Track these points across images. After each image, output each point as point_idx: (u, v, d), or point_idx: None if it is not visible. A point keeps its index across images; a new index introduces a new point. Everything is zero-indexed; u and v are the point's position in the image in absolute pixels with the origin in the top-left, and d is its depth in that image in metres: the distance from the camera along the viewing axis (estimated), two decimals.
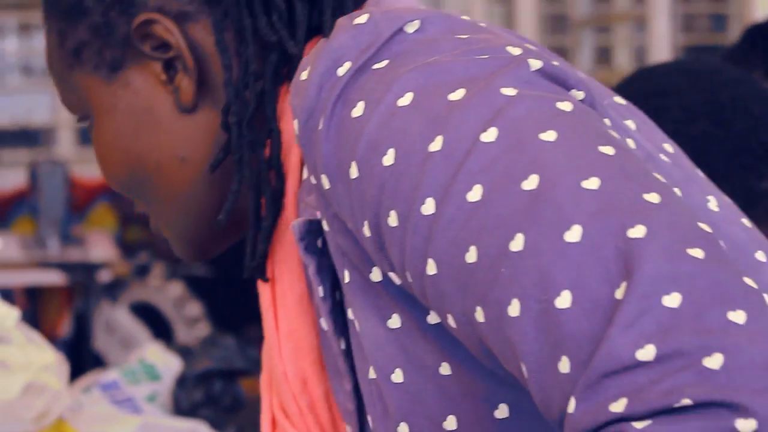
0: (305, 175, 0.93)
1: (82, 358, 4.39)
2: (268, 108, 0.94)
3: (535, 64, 0.82)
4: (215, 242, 1.03)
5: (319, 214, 0.90)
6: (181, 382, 2.08)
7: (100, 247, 4.85)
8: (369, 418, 0.91)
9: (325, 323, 0.93)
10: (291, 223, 0.91)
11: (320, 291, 0.91)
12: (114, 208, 5.52)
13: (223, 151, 0.96)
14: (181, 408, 2.06)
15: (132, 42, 0.98)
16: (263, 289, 0.97)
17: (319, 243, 0.91)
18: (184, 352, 2.16)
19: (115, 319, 4.40)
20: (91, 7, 0.98)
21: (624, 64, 7.29)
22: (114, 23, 0.98)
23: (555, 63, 0.84)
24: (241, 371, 2.09)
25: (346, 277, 0.89)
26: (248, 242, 0.96)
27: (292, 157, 0.94)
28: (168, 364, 2.12)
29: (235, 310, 3.77)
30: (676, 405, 0.68)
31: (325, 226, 0.89)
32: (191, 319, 4.37)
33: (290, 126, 0.93)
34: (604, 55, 7.55)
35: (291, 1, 0.95)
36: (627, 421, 0.69)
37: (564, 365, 0.72)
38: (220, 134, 0.96)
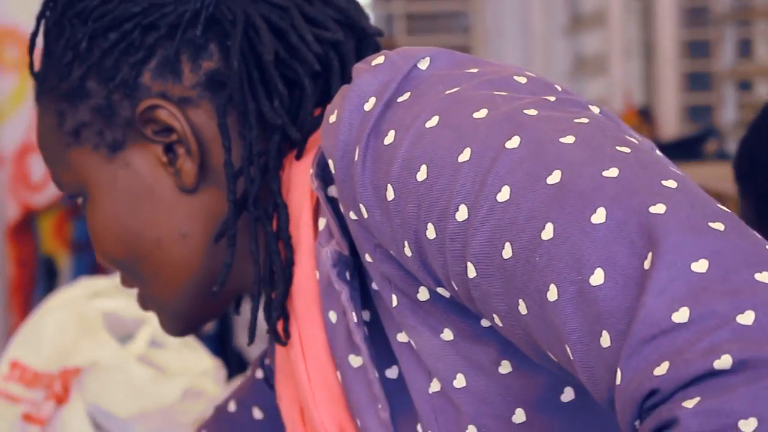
0: (321, 226, 0.97)
1: (225, 353, 4.42)
2: (273, 183, 0.99)
3: (551, 97, 0.87)
4: (205, 316, 1.08)
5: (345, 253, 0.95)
6: None
7: None
8: None
9: (354, 358, 0.96)
10: (324, 250, 0.95)
11: (354, 317, 0.94)
12: None
13: (227, 225, 1.00)
14: None
15: (134, 125, 1.01)
16: (290, 345, 1.01)
17: (347, 275, 0.95)
18: None
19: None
20: (94, 90, 1.01)
21: (766, 58, 7.13)
22: (117, 106, 1.01)
23: (559, 88, 0.90)
24: None
25: (394, 301, 0.92)
26: (263, 310, 1.00)
27: (303, 218, 0.98)
28: None
29: None
30: (717, 366, 0.69)
31: (368, 258, 0.93)
32: None
33: (297, 195, 0.99)
34: (745, 49, 7.40)
35: (296, 83, 1.00)
36: (673, 392, 0.71)
37: (605, 340, 0.75)
38: (222, 210, 1.01)
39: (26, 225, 4.80)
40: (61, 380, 1.57)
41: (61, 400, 1.57)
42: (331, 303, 0.97)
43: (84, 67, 1.01)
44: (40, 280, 5.01)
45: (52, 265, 5.03)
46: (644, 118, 6.56)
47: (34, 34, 1.06)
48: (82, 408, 1.55)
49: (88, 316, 1.62)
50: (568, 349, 0.77)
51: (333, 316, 0.98)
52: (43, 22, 1.05)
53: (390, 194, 0.87)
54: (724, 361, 0.69)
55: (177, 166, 1.01)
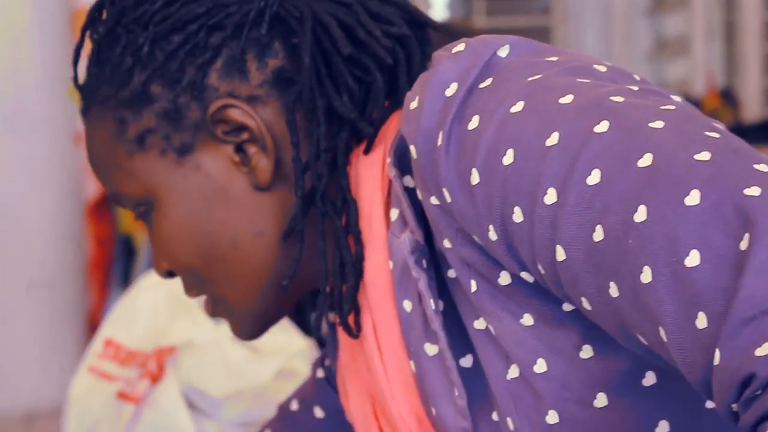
0: (393, 217, 0.97)
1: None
2: (342, 180, 0.99)
3: (633, 86, 0.87)
4: (276, 315, 1.07)
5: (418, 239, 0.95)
6: None
7: None
8: (509, 421, 0.94)
9: (430, 347, 0.96)
10: (398, 239, 0.95)
11: (432, 303, 0.94)
12: None
13: (296, 221, 0.99)
14: None
15: (204, 126, 1.00)
16: (363, 338, 1.01)
17: (423, 263, 0.95)
18: None
19: None
20: (159, 94, 1.00)
21: None
22: (184, 109, 0.99)
23: (637, 77, 0.91)
24: None
25: (473, 286, 0.92)
26: (334, 304, 1.00)
27: (375, 210, 0.98)
28: None
29: None
30: None
31: (447, 244, 0.92)
32: None
33: (367, 189, 0.99)
34: None
35: (361, 79, 1.00)
36: None
37: (701, 321, 0.75)
38: (293, 206, 1.01)
39: (105, 204, 4.84)
40: (156, 359, 1.57)
41: (155, 378, 1.57)
42: (406, 292, 0.97)
43: (147, 72, 1.00)
44: (118, 258, 5.05)
45: (130, 243, 5.07)
46: (726, 99, 6.48)
47: (79, 46, 1.05)
48: (176, 386, 1.55)
49: (182, 295, 1.62)
50: (661, 331, 0.77)
51: (408, 305, 0.97)
52: (88, 33, 1.04)
53: (475, 178, 0.87)
54: None
55: (251, 164, 1.00)
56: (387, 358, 1.00)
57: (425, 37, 1.04)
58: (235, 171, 1.01)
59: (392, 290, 0.98)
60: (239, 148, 1.01)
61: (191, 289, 1.08)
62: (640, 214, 0.78)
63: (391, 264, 0.98)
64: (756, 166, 0.78)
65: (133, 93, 1.00)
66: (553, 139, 0.83)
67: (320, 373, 1.20)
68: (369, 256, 0.99)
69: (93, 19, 1.04)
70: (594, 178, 0.81)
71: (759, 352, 0.71)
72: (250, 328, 1.07)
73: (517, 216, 0.85)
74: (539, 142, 0.84)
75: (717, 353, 0.73)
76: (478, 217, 0.87)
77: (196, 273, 1.05)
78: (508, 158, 0.85)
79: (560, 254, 0.83)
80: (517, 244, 0.86)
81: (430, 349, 0.97)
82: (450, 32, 1.06)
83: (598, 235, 0.80)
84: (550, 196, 0.82)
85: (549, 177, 0.83)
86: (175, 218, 1.02)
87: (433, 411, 0.98)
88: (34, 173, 4.23)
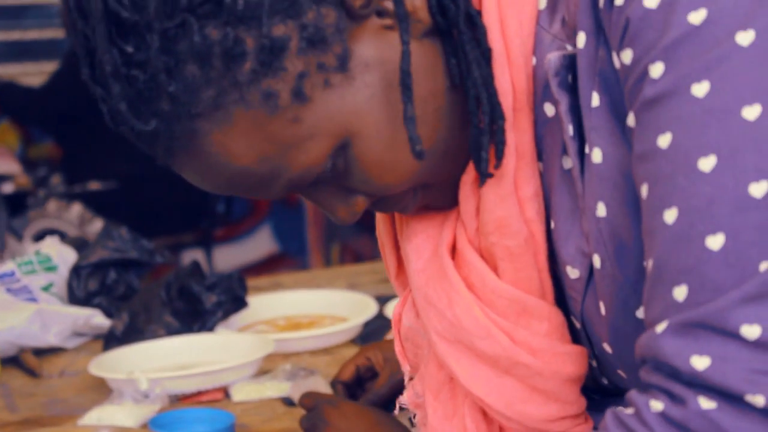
0: (542, 4, 0.91)
1: None
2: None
3: None
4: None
5: (569, 47, 0.89)
6: (76, 271, 2.12)
7: (2, 161, 4.87)
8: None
9: (567, 159, 0.92)
10: (547, 57, 0.89)
11: (570, 130, 0.90)
12: (16, 127, 5.50)
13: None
14: (76, 297, 2.10)
15: (344, 21, 0.87)
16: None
17: (570, 79, 0.90)
18: (79, 244, 2.20)
19: (24, 252, 4.46)
20: (289, 31, 0.84)
21: None
22: (322, 21, 0.85)
23: None
24: (133, 261, 2.14)
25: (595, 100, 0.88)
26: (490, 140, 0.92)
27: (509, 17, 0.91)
28: (63, 255, 2.17)
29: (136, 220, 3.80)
30: (750, 397, 0.75)
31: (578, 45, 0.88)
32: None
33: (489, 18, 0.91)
34: None
35: None
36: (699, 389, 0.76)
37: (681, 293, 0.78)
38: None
39: None
40: None
41: None
42: (549, 95, 0.92)
43: (254, 30, 0.83)
44: None
45: None
46: None
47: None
48: None
49: None
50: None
51: (550, 109, 0.92)
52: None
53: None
54: (757, 401, 0.76)
55: (410, 15, 0.89)
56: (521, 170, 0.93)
57: None
58: (393, 37, 0.88)
59: (532, 90, 0.92)
60: (379, 14, 0.88)
61: (394, 206, 0.97)
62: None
63: (534, 60, 0.92)
64: None
65: (271, 58, 0.84)
66: None
67: None
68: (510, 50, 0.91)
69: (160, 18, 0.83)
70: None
71: (695, 362, 0.76)
72: (455, 192, 0.97)
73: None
74: None
75: (664, 325, 0.79)
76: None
77: (418, 178, 0.93)
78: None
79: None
80: None
81: (566, 162, 0.93)
82: None
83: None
84: None
85: None
86: (381, 130, 0.89)
87: (552, 224, 0.94)
88: None
